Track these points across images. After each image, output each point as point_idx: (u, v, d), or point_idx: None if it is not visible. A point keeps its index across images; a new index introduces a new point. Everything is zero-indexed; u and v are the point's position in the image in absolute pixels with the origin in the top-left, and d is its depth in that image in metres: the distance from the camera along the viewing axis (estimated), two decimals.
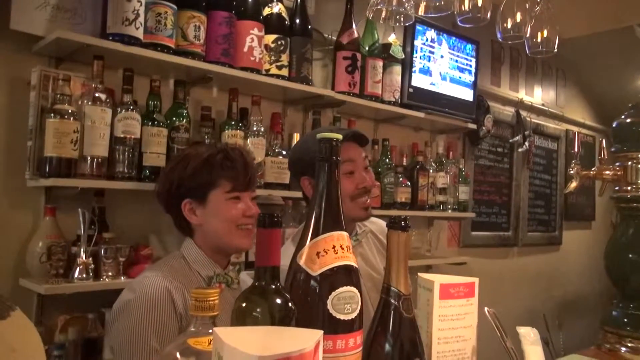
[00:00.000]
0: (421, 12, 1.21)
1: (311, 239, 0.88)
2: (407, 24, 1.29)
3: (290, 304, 0.79)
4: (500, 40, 1.37)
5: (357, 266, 0.90)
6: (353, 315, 0.85)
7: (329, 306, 0.84)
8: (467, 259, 3.35)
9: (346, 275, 0.87)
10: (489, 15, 1.22)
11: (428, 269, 3.06)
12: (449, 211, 3.18)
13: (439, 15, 1.22)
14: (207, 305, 0.72)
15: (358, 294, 0.87)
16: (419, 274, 1.10)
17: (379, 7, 1.26)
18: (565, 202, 4.69)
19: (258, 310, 0.77)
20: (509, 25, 1.28)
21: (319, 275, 0.85)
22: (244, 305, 0.78)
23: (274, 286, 0.79)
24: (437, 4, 1.18)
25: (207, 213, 1.40)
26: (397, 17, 1.28)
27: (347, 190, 1.63)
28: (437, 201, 3.10)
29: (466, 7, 1.18)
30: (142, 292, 1.27)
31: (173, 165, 1.46)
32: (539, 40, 1.35)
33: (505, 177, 4.09)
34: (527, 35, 1.32)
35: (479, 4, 1.17)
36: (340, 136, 0.92)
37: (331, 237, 0.88)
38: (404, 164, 3.03)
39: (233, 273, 1.44)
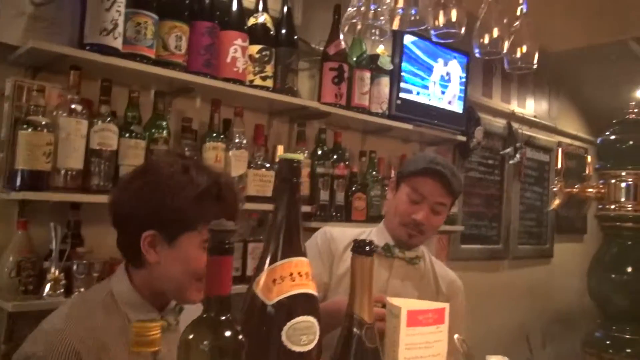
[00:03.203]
0: (395, 26, 1.18)
1: (269, 265, 0.85)
2: (383, 38, 1.26)
3: (240, 337, 0.75)
4: (478, 56, 1.34)
5: (316, 294, 0.86)
6: (310, 347, 0.81)
7: (284, 337, 0.80)
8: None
9: (305, 304, 0.84)
10: (463, 31, 1.19)
11: None
12: None
13: (414, 29, 1.19)
14: (148, 340, 0.68)
15: (316, 323, 0.84)
16: (388, 298, 1.07)
17: (353, 21, 1.23)
18: (556, 215, 4.66)
19: (205, 343, 0.73)
20: (487, 41, 1.26)
21: (275, 304, 0.82)
22: (190, 337, 0.74)
23: (223, 317, 0.75)
24: (412, 18, 1.15)
25: (170, 255, 1.13)
26: (373, 31, 1.25)
27: (400, 213, 1.63)
28: None
29: (440, 22, 1.15)
30: (45, 351, 1.05)
31: (151, 184, 1.15)
32: (518, 55, 1.32)
33: (495, 190, 4.06)
34: (505, 51, 1.29)
35: (453, 19, 1.14)
36: (300, 157, 0.88)
37: (289, 263, 0.84)
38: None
39: (172, 315, 1.19)
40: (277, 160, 0.85)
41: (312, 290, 0.85)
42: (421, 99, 3.04)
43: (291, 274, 0.83)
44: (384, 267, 1.62)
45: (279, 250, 0.85)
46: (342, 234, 1.70)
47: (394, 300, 1.03)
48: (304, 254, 0.86)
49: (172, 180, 1.14)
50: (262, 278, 0.84)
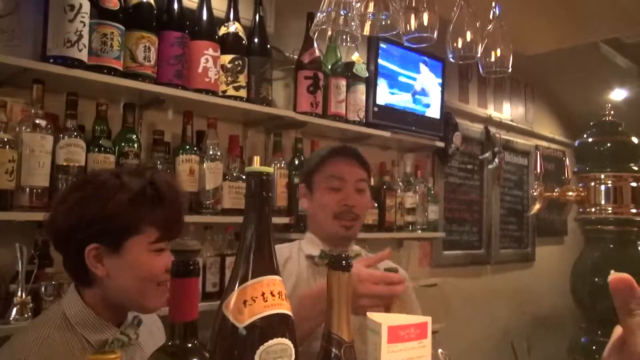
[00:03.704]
0: (366, 31, 1.14)
1: (239, 286, 0.80)
2: (354, 44, 1.22)
3: None
4: (452, 60, 1.31)
5: (291, 314, 0.81)
6: None
7: None
8: (438, 279, 3.28)
9: (278, 325, 0.79)
10: (435, 35, 1.16)
11: None
12: (419, 231, 3.11)
13: (386, 34, 1.16)
14: None
15: (292, 346, 0.78)
16: (368, 313, 1.02)
17: (323, 27, 1.19)
18: (537, 218, 4.67)
19: None
20: (460, 45, 1.23)
21: (247, 326, 0.77)
22: None
23: (190, 344, 0.70)
24: (383, 23, 1.11)
25: (119, 264, 1.09)
26: (344, 37, 1.21)
27: (329, 206, 1.58)
28: (405, 222, 3.03)
29: (412, 27, 1.12)
30: None
31: (84, 196, 1.11)
32: (492, 59, 1.30)
33: (476, 195, 4.05)
34: (479, 54, 1.27)
35: (425, 23, 1.11)
36: (270, 170, 0.84)
37: (260, 283, 0.79)
38: (371, 184, 2.95)
39: (131, 329, 1.13)
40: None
41: (286, 310, 0.80)
42: (398, 105, 3.02)
43: (263, 294, 0.78)
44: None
45: (250, 269, 0.80)
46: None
47: (374, 316, 0.98)
48: (276, 272, 0.81)
49: (103, 188, 1.11)
50: (232, 299, 0.78)
